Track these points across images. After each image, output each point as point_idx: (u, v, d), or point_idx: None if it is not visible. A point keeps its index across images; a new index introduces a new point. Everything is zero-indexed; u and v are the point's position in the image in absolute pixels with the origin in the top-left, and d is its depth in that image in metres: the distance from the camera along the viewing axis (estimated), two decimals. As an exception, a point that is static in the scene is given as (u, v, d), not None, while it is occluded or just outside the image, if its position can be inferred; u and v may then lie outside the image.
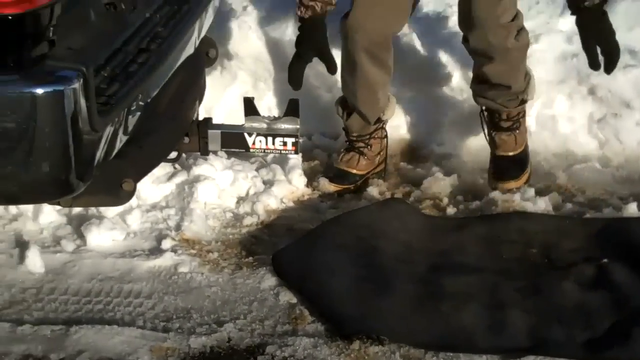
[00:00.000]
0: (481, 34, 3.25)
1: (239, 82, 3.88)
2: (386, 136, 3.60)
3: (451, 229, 3.20)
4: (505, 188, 3.41)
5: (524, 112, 3.53)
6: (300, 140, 3.12)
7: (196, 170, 3.41)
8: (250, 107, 3.13)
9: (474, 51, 3.35)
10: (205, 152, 3.17)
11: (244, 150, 3.15)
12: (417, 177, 3.59)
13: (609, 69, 3.11)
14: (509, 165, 3.47)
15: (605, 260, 2.97)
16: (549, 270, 2.97)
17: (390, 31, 3.33)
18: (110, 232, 3.12)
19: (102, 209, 3.14)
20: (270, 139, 3.12)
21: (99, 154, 2.27)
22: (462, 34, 3.38)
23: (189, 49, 2.85)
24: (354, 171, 3.52)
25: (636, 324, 2.67)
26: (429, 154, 3.77)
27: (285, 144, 3.11)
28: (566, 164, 3.68)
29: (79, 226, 3.14)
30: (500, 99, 3.42)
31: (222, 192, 3.38)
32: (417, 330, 2.71)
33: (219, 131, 3.12)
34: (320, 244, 3.03)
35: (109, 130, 2.30)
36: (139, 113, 2.50)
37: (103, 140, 2.28)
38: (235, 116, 3.49)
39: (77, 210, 3.17)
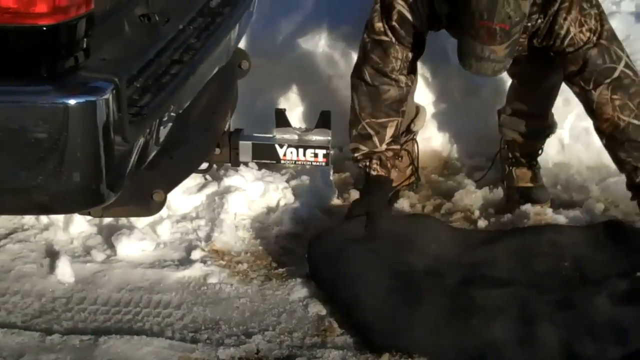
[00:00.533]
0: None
1: (271, 94, 3.88)
2: (417, 147, 3.58)
3: (482, 242, 3.17)
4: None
5: (542, 149, 3.56)
6: (332, 152, 3.12)
7: (227, 181, 3.41)
8: (281, 118, 3.13)
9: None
10: (236, 163, 3.18)
11: (274, 162, 3.15)
12: (449, 189, 3.58)
13: None
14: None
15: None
16: (581, 284, 2.95)
17: None
18: (140, 242, 3.13)
19: (132, 219, 3.15)
20: (301, 150, 3.12)
21: (130, 164, 2.28)
22: None
23: (222, 61, 2.86)
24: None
25: None
26: (460, 166, 3.76)
27: (316, 155, 3.11)
28: (599, 177, 3.65)
29: (109, 236, 3.15)
30: (529, 131, 3.42)
31: (252, 203, 3.39)
32: (446, 345, 2.69)
33: (250, 142, 3.12)
34: (352, 251, 3.00)
35: (140, 141, 2.31)
36: (170, 124, 2.51)
37: (134, 151, 2.28)
38: (267, 127, 3.49)
39: (107, 220, 3.18)
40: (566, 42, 2.99)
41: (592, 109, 3.09)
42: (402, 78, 3.11)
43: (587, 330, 2.72)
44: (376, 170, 3.17)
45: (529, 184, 3.48)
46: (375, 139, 3.15)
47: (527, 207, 3.38)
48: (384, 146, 3.16)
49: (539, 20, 2.98)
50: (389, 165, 3.19)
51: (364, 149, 3.17)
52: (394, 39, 3.05)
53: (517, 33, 2.86)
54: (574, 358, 2.64)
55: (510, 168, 3.50)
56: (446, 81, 3.83)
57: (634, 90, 3.04)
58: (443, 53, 3.81)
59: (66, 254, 3.07)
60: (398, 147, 3.24)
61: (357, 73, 3.14)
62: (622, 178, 3.54)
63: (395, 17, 3.03)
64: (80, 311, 2.85)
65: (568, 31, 2.98)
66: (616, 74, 3.02)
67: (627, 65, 3.04)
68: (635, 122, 3.06)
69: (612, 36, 3.05)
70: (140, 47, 2.44)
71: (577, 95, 3.13)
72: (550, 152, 3.76)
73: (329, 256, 2.98)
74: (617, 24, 3.87)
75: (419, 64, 3.31)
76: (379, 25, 3.06)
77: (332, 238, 3.06)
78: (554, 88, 3.34)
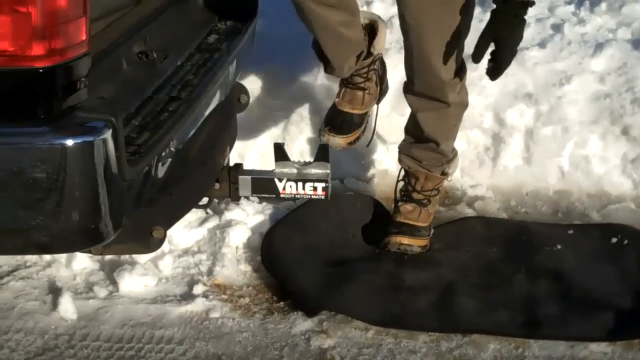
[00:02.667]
0: (425, 80, 3.10)
1: (270, 127, 3.89)
2: (384, 69, 3.40)
3: None
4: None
5: (438, 190, 3.40)
6: (330, 186, 3.12)
7: (228, 215, 3.42)
8: (280, 152, 3.14)
9: (417, 94, 3.18)
10: (236, 197, 3.18)
11: (274, 196, 3.15)
12: (449, 219, 3.59)
13: (493, 75, 2.92)
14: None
15: (559, 246, 3.30)
16: (504, 264, 3.24)
17: None
18: (142, 277, 3.13)
19: (133, 255, 3.15)
20: (300, 184, 3.12)
21: (129, 202, 2.28)
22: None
23: (220, 96, 2.87)
24: (361, 112, 3.28)
25: (573, 309, 2.97)
26: (462, 196, 3.77)
27: (315, 189, 3.11)
28: (600, 204, 3.66)
29: (111, 272, 3.15)
30: (425, 160, 3.31)
31: (253, 236, 3.39)
32: (372, 310, 2.97)
33: (250, 177, 3.12)
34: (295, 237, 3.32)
35: (138, 179, 2.31)
36: (169, 160, 2.51)
37: (133, 189, 2.29)
38: (267, 161, 3.50)
39: (109, 256, 3.18)
40: None
41: None
42: None
43: (501, 301, 3.01)
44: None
45: (408, 221, 3.40)
46: None
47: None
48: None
49: None
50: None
51: None
52: None
53: None
54: (487, 323, 2.92)
55: (399, 204, 3.42)
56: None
57: None
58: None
59: (69, 290, 3.06)
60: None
61: None
62: (624, 205, 3.57)
63: None
64: (82, 348, 2.84)
65: None
66: None
67: None
68: None
69: None
70: (138, 85, 2.45)
71: None
72: (551, 180, 3.77)
73: (277, 241, 3.28)
74: (613, 52, 3.89)
75: None
76: None
77: (285, 223, 3.37)
78: None
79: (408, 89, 3.21)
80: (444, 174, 3.37)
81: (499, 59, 2.88)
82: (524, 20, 2.86)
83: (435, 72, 3.05)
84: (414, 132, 3.30)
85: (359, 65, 3.21)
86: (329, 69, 3.18)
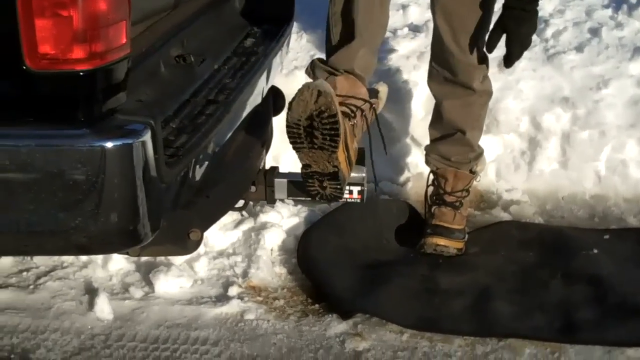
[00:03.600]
0: (452, 62, 3.19)
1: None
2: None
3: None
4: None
5: (468, 192, 3.43)
6: (366, 189, 3.12)
7: (263, 217, 3.44)
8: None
9: (442, 81, 3.25)
10: (271, 200, 3.20)
11: (309, 199, 3.16)
12: (485, 223, 3.59)
13: (506, 64, 3.08)
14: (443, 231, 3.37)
15: (595, 251, 3.29)
16: (540, 269, 3.23)
17: None
18: (178, 279, 3.15)
19: (169, 257, 3.18)
20: (336, 187, 3.13)
21: (167, 204, 2.30)
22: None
23: (257, 99, 2.88)
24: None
25: (609, 314, 2.96)
26: (497, 200, 3.76)
27: (351, 192, 3.12)
28: (637, 208, 3.65)
29: (147, 273, 3.18)
30: (453, 155, 3.34)
31: (288, 238, 3.40)
32: (408, 313, 2.98)
33: (286, 180, 3.15)
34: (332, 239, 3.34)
35: (176, 181, 2.33)
36: (206, 163, 2.53)
37: (171, 191, 2.31)
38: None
39: (145, 258, 3.21)
40: None
41: None
42: None
43: (537, 306, 3.01)
44: None
45: (444, 224, 3.41)
46: None
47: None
48: None
49: None
50: None
51: None
52: None
53: None
54: (523, 327, 2.91)
55: (433, 208, 3.43)
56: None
57: None
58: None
59: (105, 291, 3.10)
60: None
61: None
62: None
63: None
64: (118, 348, 2.87)
65: None
66: None
67: None
68: None
69: None
70: (176, 88, 2.48)
71: None
72: (587, 184, 3.75)
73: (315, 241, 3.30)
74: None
75: None
76: None
77: (321, 226, 3.40)
78: None
79: (433, 76, 3.27)
80: (472, 172, 3.40)
81: (509, 51, 3.04)
82: (535, 13, 2.99)
83: (462, 54, 3.14)
84: (439, 124, 3.35)
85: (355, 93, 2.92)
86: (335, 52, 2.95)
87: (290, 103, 2.60)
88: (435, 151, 3.38)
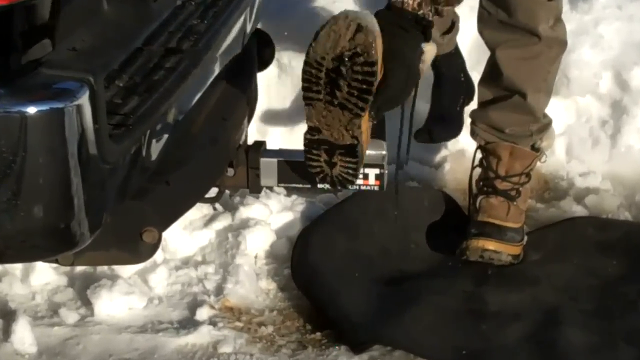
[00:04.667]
0: (506, 4, 3.21)
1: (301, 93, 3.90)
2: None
3: None
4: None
5: (530, 176, 3.44)
6: (387, 172, 3.12)
7: (244, 212, 3.47)
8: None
9: (496, 24, 3.29)
10: (256, 188, 3.19)
11: (308, 186, 3.16)
12: (550, 220, 3.62)
13: None
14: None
15: None
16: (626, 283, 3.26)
17: None
18: (127, 297, 3.17)
19: (115, 267, 3.18)
20: (345, 169, 3.13)
21: (111, 193, 2.30)
22: None
23: (235, 48, 2.88)
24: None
25: None
26: (568, 188, 3.78)
27: (366, 176, 3.11)
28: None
29: (83, 289, 3.19)
30: (508, 126, 3.35)
31: (278, 241, 3.41)
32: (445, 346, 3.00)
33: (275, 159, 3.13)
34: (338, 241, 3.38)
35: (124, 160, 2.33)
36: (166, 137, 2.53)
37: (117, 175, 2.31)
38: (297, 137, 3.51)
39: (81, 268, 3.22)
40: None
41: None
42: None
43: (623, 334, 3.03)
44: None
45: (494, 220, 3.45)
46: None
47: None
48: None
49: None
50: None
51: None
52: None
53: None
54: None
55: (479, 198, 3.49)
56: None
57: None
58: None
59: (25, 313, 3.11)
60: None
61: None
62: None
63: None
64: (45, 393, 2.89)
65: None
66: None
67: None
68: None
69: None
70: (124, 32, 2.46)
71: None
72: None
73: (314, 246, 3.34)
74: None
75: None
76: None
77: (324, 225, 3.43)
78: None
79: (484, 20, 3.30)
80: (536, 150, 3.41)
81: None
82: None
83: None
84: (492, 80, 3.37)
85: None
86: None
87: (318, 33, 2.60)
88: (485, 119, 3.39)
